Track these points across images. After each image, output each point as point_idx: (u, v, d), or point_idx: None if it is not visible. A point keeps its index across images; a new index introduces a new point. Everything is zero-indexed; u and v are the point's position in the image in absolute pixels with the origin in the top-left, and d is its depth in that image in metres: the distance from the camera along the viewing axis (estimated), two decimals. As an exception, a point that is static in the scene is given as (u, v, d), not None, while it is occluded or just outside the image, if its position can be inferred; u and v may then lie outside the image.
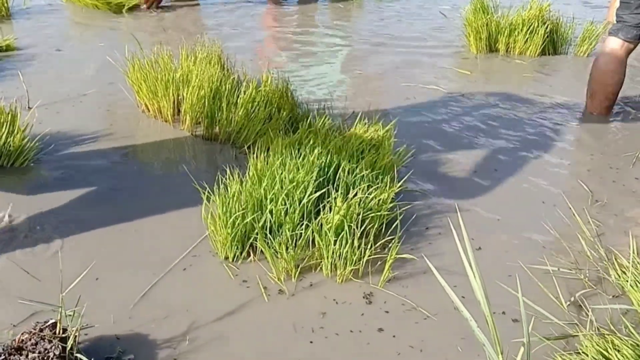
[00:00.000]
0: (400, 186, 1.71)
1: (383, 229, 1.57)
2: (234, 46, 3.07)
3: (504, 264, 1.52)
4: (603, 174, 1.98)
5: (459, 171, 1.96)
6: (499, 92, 2.60)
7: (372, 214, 1.55)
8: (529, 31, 3.05)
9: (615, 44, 2.24)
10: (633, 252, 1.48)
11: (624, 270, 1.45)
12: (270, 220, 1.51)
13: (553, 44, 3.11)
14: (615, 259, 1.49)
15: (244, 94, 2.11)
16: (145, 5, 3.60)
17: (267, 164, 1.67)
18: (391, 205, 1.63)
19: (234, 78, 2.25)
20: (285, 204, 1.52)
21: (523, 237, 1.63)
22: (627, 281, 1.42)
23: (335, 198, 1.54)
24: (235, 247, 1.51)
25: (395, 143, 2.01)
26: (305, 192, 1.55)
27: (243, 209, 1.50)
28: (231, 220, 1.47)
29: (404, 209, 1.66)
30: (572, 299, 1.41)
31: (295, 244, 1.49)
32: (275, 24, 3.53)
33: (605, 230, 1.67)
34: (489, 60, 3.02)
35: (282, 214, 1.52)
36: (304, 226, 1.50)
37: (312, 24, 3.61)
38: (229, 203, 1.50)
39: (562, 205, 1.78)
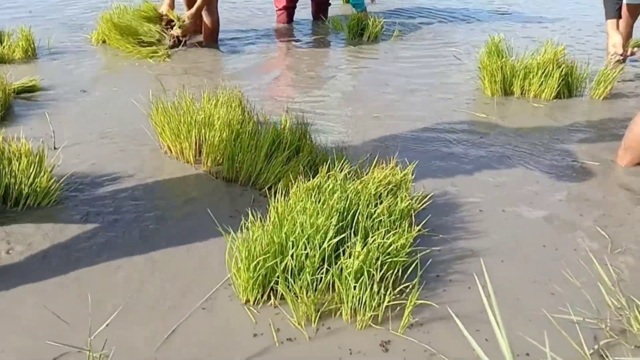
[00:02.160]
0: (418, 231, 1.75)
1: (400, 275, 1.59)
2: (253, 87, 3.16)
3: (523, 311, 1.53)
4: (622, 221, 1.99)
5: (476, 215, 1.99)
6: (516, 135, 2.65)
7: (391, 259, 1.58)
8: (543, 74, 3.10)
9: None
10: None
11: (644, 320, 1.46)
12: (291, 264, 1.54)
13: (568, 87, 3.16)
14: (637, 309, 1.50)
15: (264, 137, 2.17)
16: (170, 43, 3.73)
17: (287, 207, 1.71)
18: (409, 250, 1.66)
19: (254, 121, 2.32)
20: (305, 249, 1.55)
21: (542, 283, 1.65)
22: (648, 331, 1.43)
23: (354, 243, 1.57)
24: (257, 291, 1.54)
25: (413, 186, 2.05)
26: (326, 237, 1.58)
27: (265, 253, 1.54)
28: (253, 264, 1.51)
29: (422, 253, 1.69)
30: (596, 347, 1.42)
31: (316, 288, 1.52)
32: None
33: (625, 278, 1.68)
34: (504, 103, 3.07)
35: (303, 258, 1.55)
36: (324, 270, 1.53)
37: (327, 63, 3.70)
38: (251, 247, 1.54)
39: (582, 251, 1.79)
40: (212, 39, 3.94)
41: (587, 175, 2.30)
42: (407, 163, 2.12)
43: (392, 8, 5.17)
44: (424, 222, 1.83)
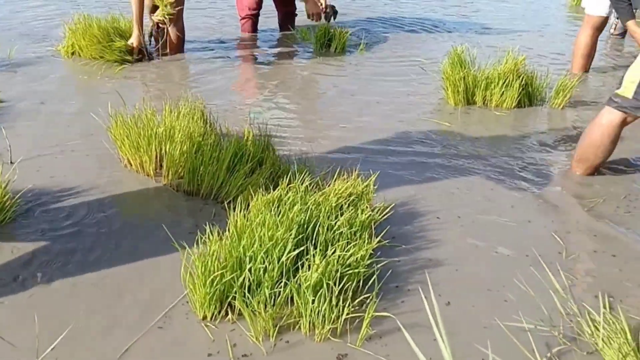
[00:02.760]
0: (378, 242, 1.76)
1: (360, 286, 1.60)
2: (217, 98, 3.15)
3: (476, 319, 1.56)
4: (576, 227, 2.04)
5: (435, 223, 2.01)
6: (477, 144, 2.69)
7: (350, 271, 1.59)
8: (504, 84, 3.16)
9: (617, 119, 2.26)
10: (604, 308, 1.52)
11: (596, 326, 1.49)
12: (249, 279, 1.54)
13: (528, 96, 3.23)
14: (588, 315, 1.54)
15: (226, 149, 2.17)
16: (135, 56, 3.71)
17: (247, 221, 1.71)
18: (370, 261, 1.67)
19: (216, 133, 2.31)
20: (264, 262, 1.55)
21: (496, 291, 1.68)
22: (600, 337, 1.46)
23: (314, 255, 1.58)
24: (214, 307, 1.53)
25: (375, 197, 2.07)
26: (284, 250, 1.58)
27: (222, 268, 1.53)
28: (210, 279, 1.50)
29: (382, 264, 1.70)
30: (549, 354, 1.45)
31: (274, 302, 1.51)
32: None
33: (578, 284, 1.71)
34: (467, 113, 3.12)
35: (261, 272, 1.55)
36: (282, 284, 1.53)
37: (292, 74, 3.71)
38: (207, 262, 1.53)
39: (536, 258, 1.83)
40: (177, 49, 3.92)
41: (543, 182, 2.35)
42: (370, 173, 2.14)
43: (360, 19, 5.22)
44: (384, 232, 1.84)
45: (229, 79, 3.57)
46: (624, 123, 2.26)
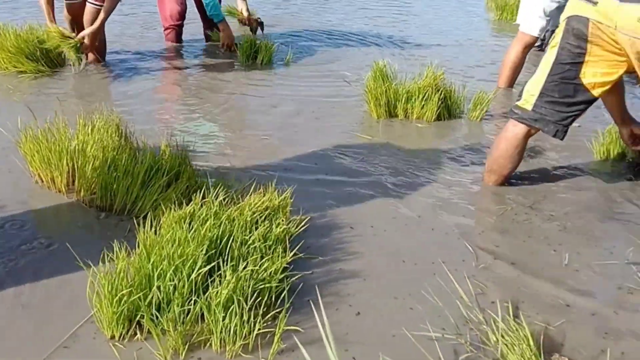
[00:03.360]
0: (293, 255, 1.78)
1: (273, 301, 1.61)
2: (136, 112, 3.09)
3: (385, 329, 1.59)
4: (487, 236, 2.13)
5: (351, 235, 2.05)
6: (397, 155, 2.76)
7: (263, 286, 1.59)
8: (424, 98, 3.27)
9: (521, 131, 2.36)
10: (508, 315, 1.60)
11: (502, 334, 1.55)
12: (158, 297, 1.51)
13: (448, 109, 3.35)
14: (494, 323, 1.60)
15: (141, 163, 2.13)
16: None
17: (158, 237, 1.68)
18: (284, 275, 1.68)
19: (132, 147, 2.27)
20: (173, 280, 1.53)
21: (404, 300, 1.73)
22: (504, 345, 1.53)
23: (225, 271, 1.57)
24: (122, 326, 1.49)
25: (293, 210, 2.08)
26: (195, 267, 1.57)
27: (130, 286, 1.50)
28: (117, 298, 1.47)
29: (295, 278, 1.71)
30: (454, 362, 1.50)
31: (184, 320, 1.50)
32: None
33: (487, 292, 1.79)
34: (389, 125, 3.20)
35: (170, 290, 1.53)
36: (192, 302, 1.52)
37: (216, 86, 3.69)
38: (114, 280, 1.50)
39: (446, 266, 1.90)
40: (97, 60, 3.81)
41: (457, 192, 2.44)
42: (290, 186, 2.16)
43: (288, 30, 5.26)
44: (300, 245, 1.86)
45: (150, 91, 3.51)
46: (528, 134, 2.38)
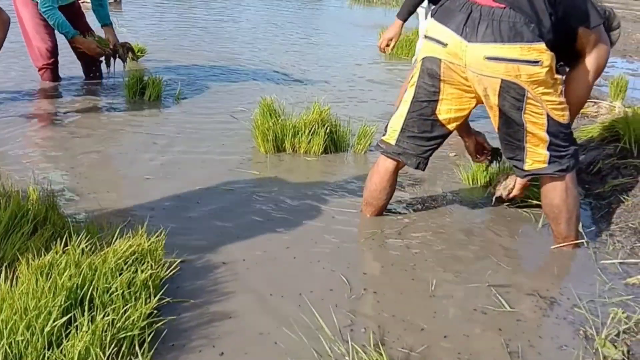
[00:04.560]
0: (160, 300, 1.77)
1: (136, 349, 1.59)
2: (6, 157, 2.98)
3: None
4: (361, 266, 2.23)
5: (228, 275, 2.07)
6: (284, 190, 2.83)
7: (124, 335, 1.58)
8: (311, 132, 3.38)
9: (391, 164, 2.50)
10: (371, 345, 1.68)
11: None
12: (9, 353, 1.46)
13: (334, 143, 3.48)
14: (356, 354, 1.68)
15: (4, 209, 2.05)
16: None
17: (14, 288, 1.63)
18: (148, 321, 1.67)
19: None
20: (25, 335, 1.49)
21: (270, 335, 1.77)
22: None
23: (81, 322, 1.54)
24: (-34, 389, 1.43)
25: (168, 252, 2.08)
26: (50, 319, 1.53)
27: (-25, 345, 1.44)
28: (-41, 359, 1.40)
29: (161, 323, 1.71)
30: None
31: (36, 376, 1.45)
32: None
33: (354, 323, 1.86)
34: (276, 160, 3.27)
35: (22, 345, 1.48)
36: (46, 356, 1.48)
37: (95, 125, 3.62)
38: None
39: (318, 298, 1.96)
40: None
41: (335, 222, 2.54)
42: (167, 227, 2.16)
43: (181, 63, 5.27)
44: (172, 289, 1.87)
45: (23, 133, 3.37)
46: (398, 167, 2.53)
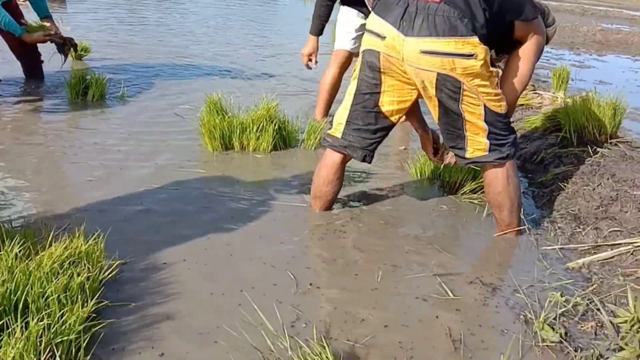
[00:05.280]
0: (99, 303, 1.75)
1: (73, 354, 1.57)
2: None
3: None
4: (310, 260, 2.25)
5: (171, 275, 2.06)
6: (230, 188, 2.82)
7: (59, 340, 1.55)
8: (259, 129, 3.38)
9: (338, 158, 2.52)
10: (315, 339, 1.69)
11: (307, 358, 1.64)
12: None
13: (283, 140, 3.49)
14: (299, 349, 1.69)
15: None
16: None
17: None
18: (85, 325, 1.64)
19: None
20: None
21: (209, 334, 1.76)
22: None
23: (14, 329, 1.51)
24: None
25: (110, 254, 2.04)
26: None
27: None
28: None
29: (100, 327, 1.69)
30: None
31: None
32: None
33: (299, 318, 1.88)
34: (224, 158, 3.26)
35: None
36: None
37: (34, 127, 3.53)
38: None
39: (262, 294, 1.97)
40: None
41: (282, 218, 2.55)
42: (107, 229, 2.12)
43: (127, 61, 5.19)
44: (113, 291, 1.84)
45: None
46: (344, 160, 2.56)
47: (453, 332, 1.88)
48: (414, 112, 2.64)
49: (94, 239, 2.02)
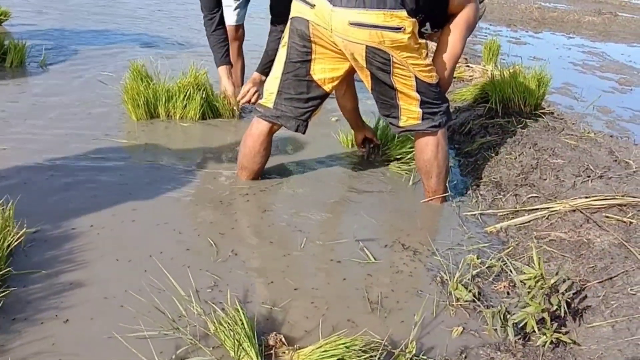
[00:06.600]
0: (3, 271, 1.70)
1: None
2: None
3: (96, 334, 1.61)
4: (230, 228, 2.24)
5: (85, 243, 2.01)
6: (154, 157, 2.77)
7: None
8: (186, 97, 3.32)
9: (265, 128, 2.51)
10: (229, 304, 1.70)
11: (220, 321, 1.64)
12: None
13: (212, 109, 3.43)
14: (213, 312, 1.69)
15: None
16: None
17: None
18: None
19: None
20: None
21: (117, 301, 1.75)
22: (224, 331, 1.62)
23: None
24: None
25: (20, 223, 1.98)
26: None
27: None
28: None
29: (2, 295, 1.64)
30: (173, 357, 1.56)
31: None
32: None
33: (218, 284, 1.88)
34: (149, 127, 3.18)
35: None
36: None
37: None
38: None
39: (179, 262, 1.96)
40: None
41: (207, 187, 2.53)
42: (15, 199, 2.05)
43: (50, 28, 4.96)
44: (20, 260, 1.79)
45: None
46: (272, 131, 2.55)
47: (370, 294, 1.93)
48: (349, 100, 2.68)
49: (1, 205, 1.95)
